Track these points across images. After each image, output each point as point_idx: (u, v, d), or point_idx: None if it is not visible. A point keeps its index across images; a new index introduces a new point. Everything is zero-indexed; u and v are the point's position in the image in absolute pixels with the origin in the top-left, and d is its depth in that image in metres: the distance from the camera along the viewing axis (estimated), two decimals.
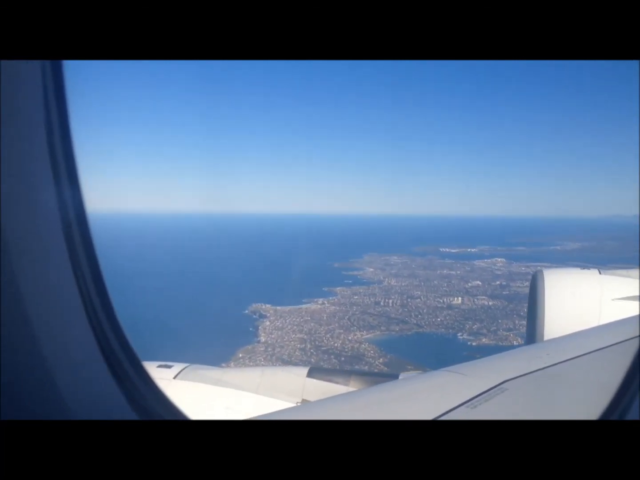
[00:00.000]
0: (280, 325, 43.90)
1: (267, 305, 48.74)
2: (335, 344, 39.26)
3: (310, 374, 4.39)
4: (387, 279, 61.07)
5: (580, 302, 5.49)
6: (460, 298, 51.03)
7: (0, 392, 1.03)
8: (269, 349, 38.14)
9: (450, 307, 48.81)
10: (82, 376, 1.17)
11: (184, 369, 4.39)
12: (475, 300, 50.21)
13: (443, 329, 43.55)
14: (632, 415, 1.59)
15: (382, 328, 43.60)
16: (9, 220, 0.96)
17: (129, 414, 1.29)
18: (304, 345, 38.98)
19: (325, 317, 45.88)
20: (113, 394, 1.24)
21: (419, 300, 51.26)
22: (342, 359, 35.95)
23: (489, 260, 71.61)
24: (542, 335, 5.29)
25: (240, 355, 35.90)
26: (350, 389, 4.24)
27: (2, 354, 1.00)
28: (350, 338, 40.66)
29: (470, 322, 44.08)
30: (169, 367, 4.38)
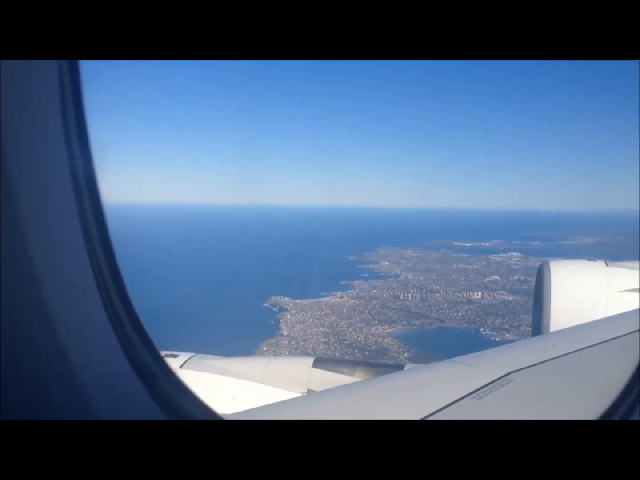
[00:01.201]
0: (302, 318, 44.11)
1: (287, 298, 48.95)
2: (359, 338, 39.42)
3: (315, 364, 4.38)
4: (403, 273, 61.10)
5: (586, 293, 5.48)
6: (479, 293, 50.97)
7: (18, 391, 1.01)
8: (293, 343, 38.35)
9: (470, 301, 48.82)
10: (101, 371, 1.16)
11: (190, 358, 4.37)
12: (495, 295, 50.11)
13: (465, 324, 43.55)
14: (635, 415, 1.57)
15: (403, 322, 43.73)
16: (28, 222, 0.96)
17: (151, 410, 1.28)
18: (327, 339, 39.17)
19: (345, 311, 46.08)
20: (135, 389, 1.24)
21: (438, 294, 51.28)
22: (367, 353, 36.11)
23: (505, 255, 71.26)
24: (548, 327, 5.30)
25: (265, 348, 36.14)
26: (356, 379, 4.24)
27: (23, 354, 1.00)
28: (372, 332, 40.83)
29: (492, 317, 44.07)
30: (175, 356, 4.35)
